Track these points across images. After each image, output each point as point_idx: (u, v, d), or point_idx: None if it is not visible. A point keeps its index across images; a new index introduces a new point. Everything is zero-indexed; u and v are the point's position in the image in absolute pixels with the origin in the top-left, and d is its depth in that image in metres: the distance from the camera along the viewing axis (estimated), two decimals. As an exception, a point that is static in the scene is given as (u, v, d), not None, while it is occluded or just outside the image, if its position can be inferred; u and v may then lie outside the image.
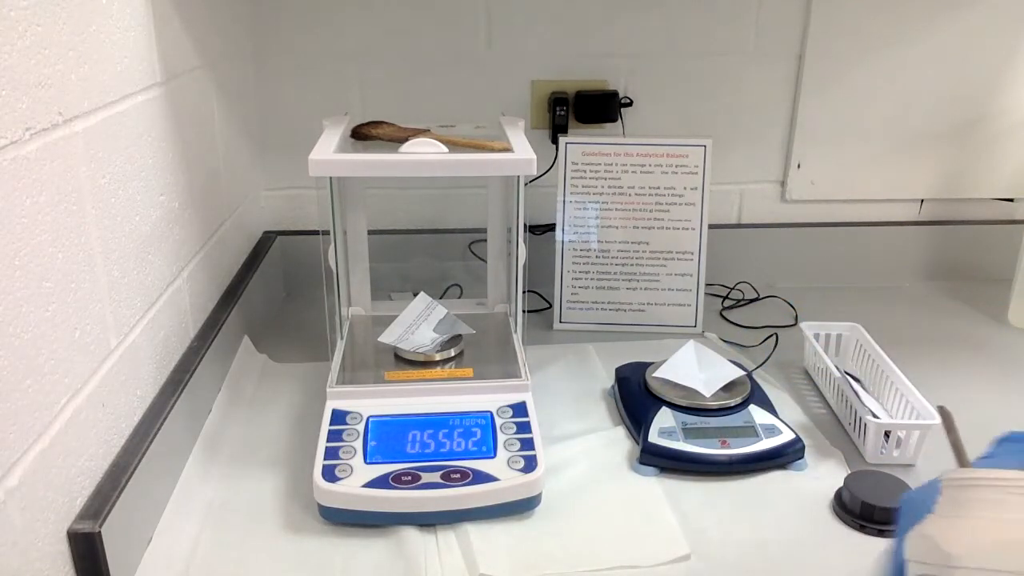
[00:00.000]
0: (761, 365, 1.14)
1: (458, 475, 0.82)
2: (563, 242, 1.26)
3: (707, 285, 1.26)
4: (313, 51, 1.31)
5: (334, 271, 1.03)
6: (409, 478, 0.82)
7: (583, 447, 0.96)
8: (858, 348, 1.10)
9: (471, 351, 1.02)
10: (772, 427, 0.93)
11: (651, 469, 0.91)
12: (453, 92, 1.35)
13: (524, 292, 1.04)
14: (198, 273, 1.03)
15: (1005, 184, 1.49)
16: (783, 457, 0.91)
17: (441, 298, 1.12)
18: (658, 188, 1.24)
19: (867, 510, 0.81)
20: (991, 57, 1.40)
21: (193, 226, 1.02)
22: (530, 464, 0.84)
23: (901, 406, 0.97)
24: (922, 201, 1.50)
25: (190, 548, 0.79)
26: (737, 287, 1.39)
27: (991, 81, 1.42)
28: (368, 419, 0.89)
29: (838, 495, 0.86)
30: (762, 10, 1.35)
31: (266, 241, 1.36)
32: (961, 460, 0.68)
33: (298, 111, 1.33)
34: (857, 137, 1.44)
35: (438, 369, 0.98)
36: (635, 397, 1.00)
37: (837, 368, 1.03)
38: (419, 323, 1.03)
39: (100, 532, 0.68)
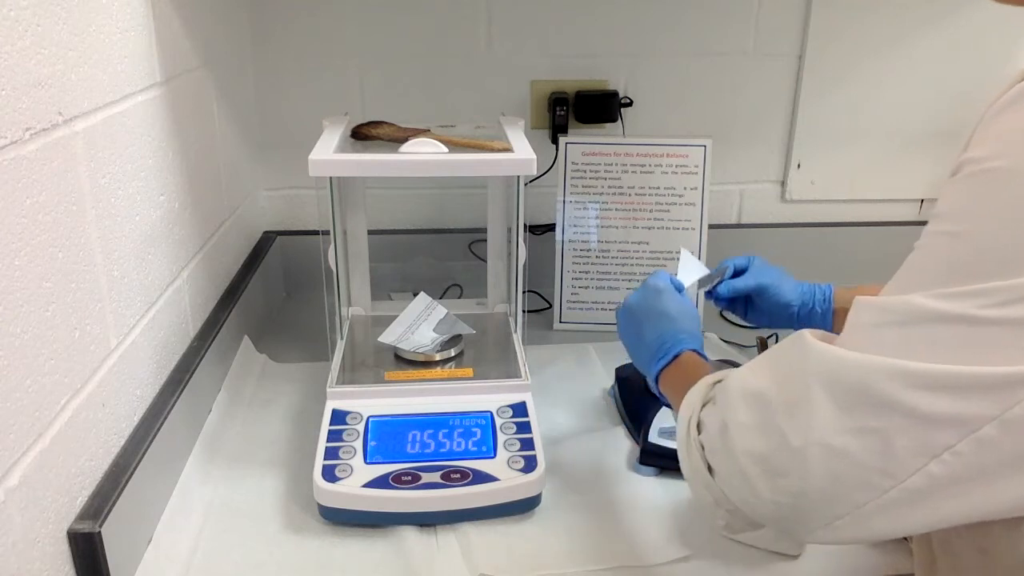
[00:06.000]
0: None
1: (458, 475, 0.82)
2: (563, 242, 1.26)
3: (707, 285, 1.26)
4: (313, 51, 1.31)
5: (334, 271, 1.03)
6: (409, 478, 0.82)
7: (583, 447, 0.96)
8: (858, 348, 1.10)
9: (471, 351, 1.02)
10: (772, 427, 0.93)
11: (651, 469, 0.91)
12: (453, 92, 1.35)
13: (524, 292, 1.04)
14: (198, 273, 1.03)
15: (1005, 184, 1.49)
16: (783, 457, 0.91)
17: (441, 298, 1.12)
18: (658, 188, 1.24)
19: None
20: (990, 57, 1.40)
21: (193, 226, 1.01)
22: (530, 464, 0.84)
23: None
24: (922, 201, 1.50)
25: (190, 548, 0.79)
26: (737, 287, 1.39)
27: (991, 81, 1.41)
28: (368, 419, 0.89)
29: (838, 495, 0.86)
30: (762, 10, 1.35)
31: (266, 241, 1.36)
32: None
33: (298, 111, 1.33)
34: (857, 137, 1.44)
35: (438, 369, 0.98)
36: (635, 397, 1.00)
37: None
38: (419, 323, 1.03)
39: (100, 532, 0.68)
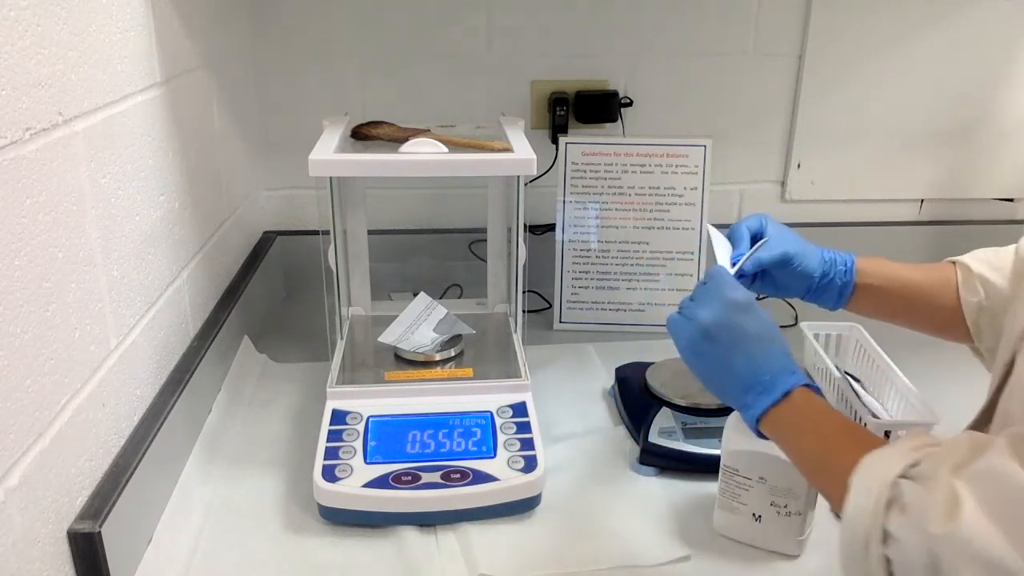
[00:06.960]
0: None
1: (458, 475, 0.82)
2: (563, 242, 1.26)
3: (707, 285, 1.26)
4: (313, 51, 1.31)
5: (334, 271, 1.03)
6: (409, 478, 0.82)
7: (583, 447, 0.96)
8: (858, 348, 1.10)
9: (471, 351, 1.02)
10: (772, 427, 0.93)
11: (651, 469, 0.91)
12: (453, 92, 1.35)
13: (524, 292, 1.04)
14: (198, 273, 1.03)
15: (1005, 184, 1.49)
16: (783, 457, 0.91)
17: (441, 298, 1.12)
18: (658, 188, 1.24)
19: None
20: (991, 57, 1.40)
21: (193, 226, 1.02)
22: (530, 464, 0.84)
23: (901, 406, 0.97)
24: (922, 201, 1.50)
25: (190, 548, 0.79)
26: (737, 287, 1.39)
27: (991, 81, 1.42)
28: (368, 419, 0.89)
29: (838, 495, 0.85)
30: (762, 10, 1.35)
31: (266, 241, 1.36)
32: None
33: (298, 111, 1.33)
34: (857, 137, 1.44)
35: (438, 369, 0.98)
36: (635, 397, 1.00)
37: (837, 368, 1.03)
38: (419, 323, 1.03)
39: (100, 532, 0.68)
